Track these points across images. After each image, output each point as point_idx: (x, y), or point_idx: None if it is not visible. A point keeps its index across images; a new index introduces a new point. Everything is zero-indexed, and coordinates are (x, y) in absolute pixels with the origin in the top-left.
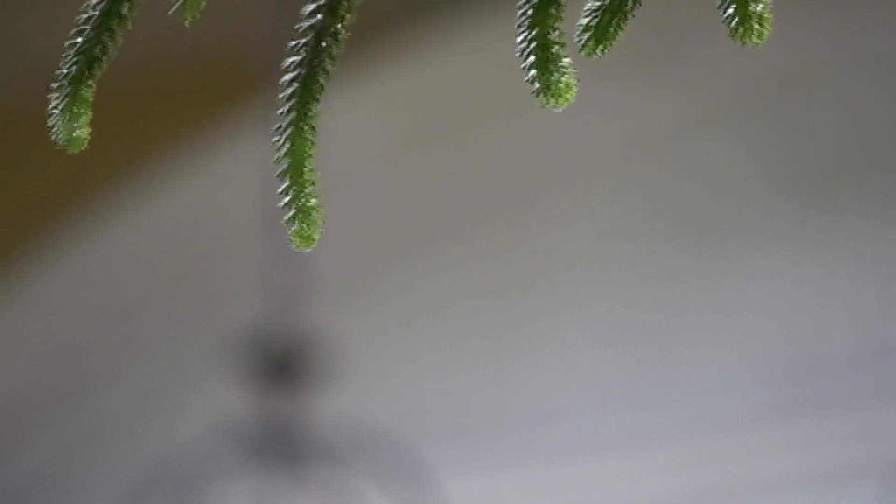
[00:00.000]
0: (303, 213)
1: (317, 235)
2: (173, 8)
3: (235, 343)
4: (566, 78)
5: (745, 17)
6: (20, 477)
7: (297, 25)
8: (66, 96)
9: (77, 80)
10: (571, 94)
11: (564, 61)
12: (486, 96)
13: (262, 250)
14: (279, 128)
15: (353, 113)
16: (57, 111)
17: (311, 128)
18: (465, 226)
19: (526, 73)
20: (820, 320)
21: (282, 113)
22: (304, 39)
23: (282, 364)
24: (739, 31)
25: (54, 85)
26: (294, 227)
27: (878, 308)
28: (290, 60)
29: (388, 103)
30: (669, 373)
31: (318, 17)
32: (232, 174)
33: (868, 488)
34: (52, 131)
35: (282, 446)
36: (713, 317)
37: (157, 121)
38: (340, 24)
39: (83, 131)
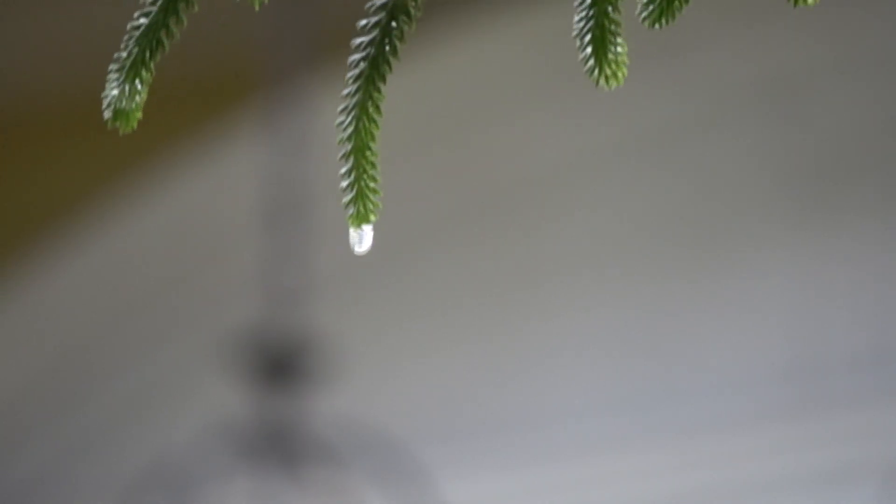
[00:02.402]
0: (363, 195)
1: (373, 217)
2: None
3: (234, 343)
4: (620, 58)
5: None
6: (20, 477)
7: (368, 4)
8: (125, 77)
9: (139, 63)
10: (622, 74)
11: (619, 40)
12: (486, 96)
13: (262, 250)
14: (345, 108)
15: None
16: (115, 91)
17: (377, 109)
18: (465, 226)
19: (581, 52)
20: (820, 320)
21: (349, 93)
22: (375, 18)
23: (280, 364)
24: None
25: (113, 66)
26: (353, 209)
27: (878, 308)
28: (359, 39)
29: (388, 103)
30: (669, 373)
31: None
32: (232, 174)
33: (868, 488)
34: (105, 109)
35: (280, 446)
36: (713, 317)
37: (157, 121)
38: (414, 3)
39: (137, 111)
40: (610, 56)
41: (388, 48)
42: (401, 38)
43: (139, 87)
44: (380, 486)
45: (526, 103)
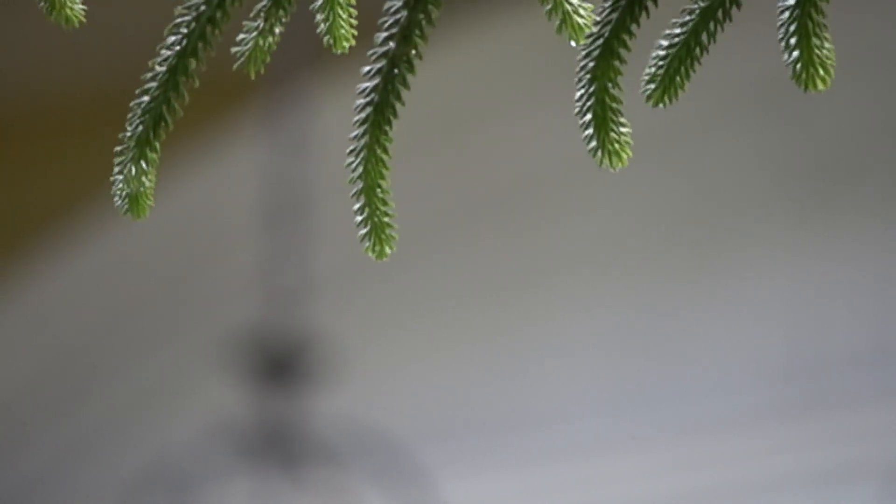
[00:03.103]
0: (376, 230)
1: (389, 251)
2: (238, 62)
3: (234, 343)
4: (623, 138)
5: (809, 61)
6: (20, 477)
7: (371, 52)
8: (130, 159)
9: (143, 142)
10: (626, 155)
11: (622, 120)
12: (487, 96)
13: (262, 250)
14: (353, 150)
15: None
16: (120, 175)
17: (385, 150)
18: (465, 226)
19: (583, 131)
20: (820, 320)
21: (356, 136)
22: (377, 66)
23: (280, 364)
24: (803, 76)
25: (118, 148)
26: (368, 244)
27: (878, 308)
28: (363, 85)
29: None
30: (669, 373)
31: (391, 45)
32: (232, 174)
33: (868, 488)
34: (114, 195)
35: (280, 446)
36: (713, 317)
37: None
38: (413, 52)
39: (147, 195)
40: (613, 135)
41: (391, 94)
42: (404, 84)
43: (145, 167)
44: (380, 486)
45: (526, 103)
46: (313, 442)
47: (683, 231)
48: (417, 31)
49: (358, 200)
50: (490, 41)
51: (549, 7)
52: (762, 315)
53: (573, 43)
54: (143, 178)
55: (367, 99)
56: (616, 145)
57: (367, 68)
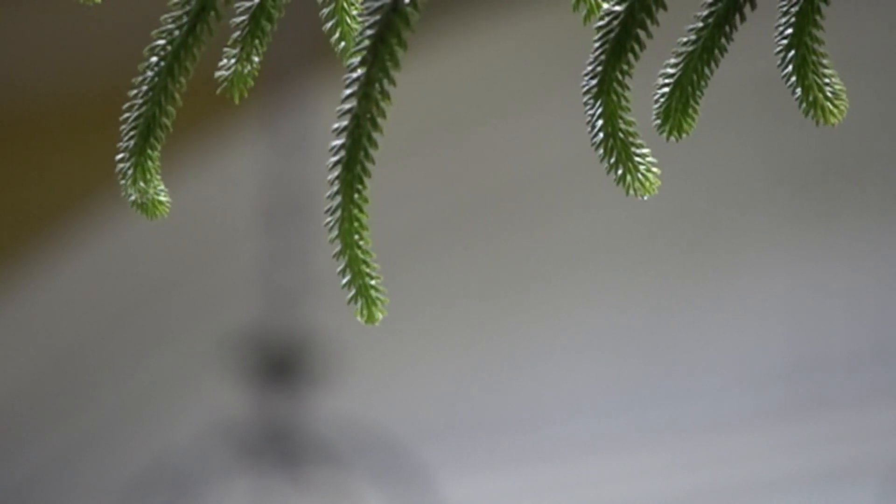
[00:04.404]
0: (361, 293)
1: (379, 315)
2: (220, 87)
3: (234, 343)
4: (648, 170)
5: (815, 102)
6: (20, 477)
7: (337, 109)
8: (129, 168)
9: (136, 153)
10: (653, 184)
11: (642, 150)
12: (486, 96)
13: (262, 250)
14: (329, 209)
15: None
16: (125, 183)
17: (361, 209)
18: (465, 226)
19: (602, 162)
20: (820, 320)
21: (330, 195)
22: (343, 124)
23: (280, 364)
24: (811, 114)
25: (118, 157)
26: (355, 307)
27: (878, 308)
28: (333, 143)
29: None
30: (669, 373)
31: (353, 103)
32: (232, 174)
33: (868, 488)
34: (128, 202)
35: (280, 446)
36: (713, 317)
37: None
38: (376, 109)
39: (161, 196)
40: (638, 163)
41: (360, 152)
42: (371, 142)
43: (145, 178)
44: (380, 486)
45: (526, 103)
46: (313, 442)
47: (683, 231)
48: (378, 88)
49: (340, 261)
50: (489, 42)
51: None
52: (762, 315)
53: (589, 20)
54: (143, 185)
55: (337, 157)
56: (640, 177)
57: (335, 125)
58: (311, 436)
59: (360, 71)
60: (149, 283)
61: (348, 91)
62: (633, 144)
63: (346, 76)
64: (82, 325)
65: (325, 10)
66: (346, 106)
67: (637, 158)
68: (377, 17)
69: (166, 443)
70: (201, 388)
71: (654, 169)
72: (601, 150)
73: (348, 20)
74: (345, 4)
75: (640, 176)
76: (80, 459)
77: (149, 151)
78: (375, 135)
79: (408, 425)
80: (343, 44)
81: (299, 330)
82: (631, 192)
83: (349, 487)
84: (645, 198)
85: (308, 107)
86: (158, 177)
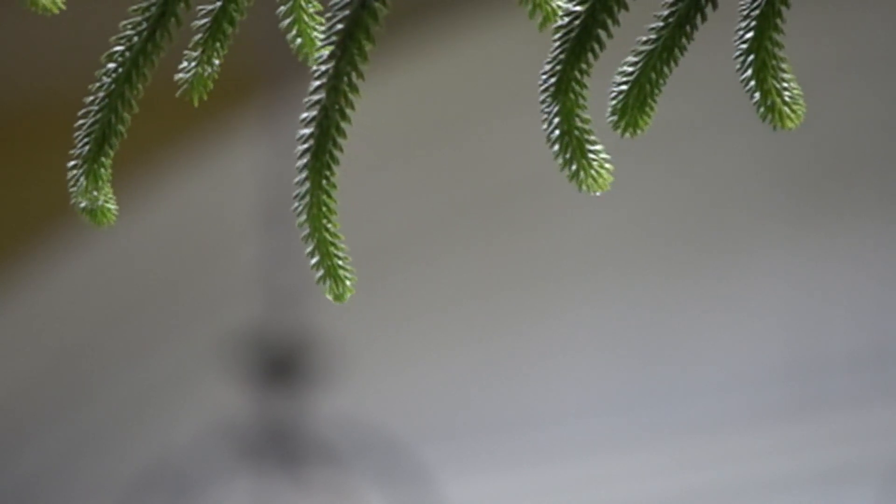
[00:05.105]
0: (330, 274)
1: (348, 293)
2: (180, 90)
3: (235, 343)
4: (601, 166)
5: (773, 107)
6: (20, 477)
7: (305, 100)
8: (81, 174)
9: (90, 160)
10: (605, 180)
11: (596, 147)
12: (486, 96)
13: (262, 250)
14: (297, 195)
15: (351, 114)
16: (75, 190)
17: (329, 195)
18: (465, 226)
19: (556, 159)
20: (820, 320)
21: (299, 181)
22: (311, 114)
23: (281, 364)
24: (769, 118)
25: (70, 164)
26: (324, 287)
27: (878, 308)
28: (301, 132)
29: (388, 104)
30: (669, 373)
31: (321, 95)
32: (232, 174)
33: (868, 488)
34: (77, 208)
35: (281, 446)
36: (713, 317)
37: (157, 121)
38: (344, 101)
39: (107, 207)
40: (592, 159)
41: (328, 141)
42: (339, 132)
43: (96, 186)
44: (381, 486)
45: (525, 103)
46: (314, 442)
47: (683, 231)
48: (346, 81)
49: (308, 243)
50: (487, 42)
51: None
52: (762, 315)
53: (543, 27)
54: (96, 193)
55: (306, 146)
56: (594, 172)
57: (303, 115)
58: (312, 436)
59: (329, 64)
60: (149, 283)
61: (317, 83)
62: (587, 142)
63: (314, 69)
64: (82, 325)
65: (282, 8)
66: (315, 97)
67: (591, 155)
68: (346, 12)
69: (167, 443)
70: (202, 388)
71: (607, 165)
72: (556, 147)
73: (306, 18)
74: (302, 2)
75: (593, 172)
76: (80, 459)
77: (102, 159)
78: (344, 125)
79: (408, 425)
80: (300, 40)
81: (299, 330)
82: (584, 188)
83: (349, 487)
84: (598, 193)
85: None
86: (109, 184)
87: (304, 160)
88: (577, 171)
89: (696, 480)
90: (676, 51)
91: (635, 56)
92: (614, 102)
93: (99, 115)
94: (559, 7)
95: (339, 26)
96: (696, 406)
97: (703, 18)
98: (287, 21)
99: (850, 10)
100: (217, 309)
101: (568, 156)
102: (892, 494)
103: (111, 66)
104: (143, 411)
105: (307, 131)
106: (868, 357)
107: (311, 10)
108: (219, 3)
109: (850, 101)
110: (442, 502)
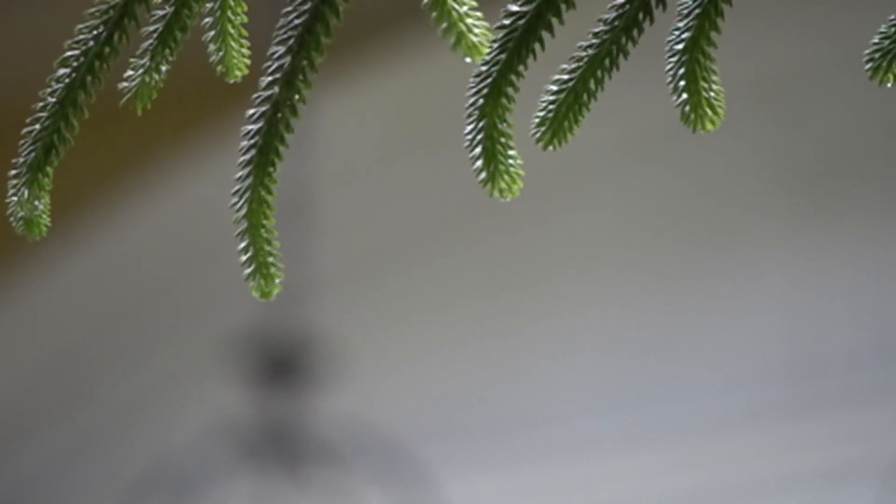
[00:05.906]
0: (260, 270)
1: (275, 291)
2: (125, 98)
3: (235, 343)
4: (513, 171)
5: (698, 103)
6: (20, 477)
7: (255, 96)
8: (23, 183)
9: (34, 168)
10: (517, 186)
11: (512, 153)
12: None
13: None
14: (237, 191)
15: (351, 114)
16: (14, 198)
17: (269, 191)
18: (465, 226)
19: (473, 163)
20: (819, 320)
21: (240, 177)
22: (260, 109)
23: (281, 364)
24: (692, 117)
25: (12, 172)
26: (253, 283)
27: (878, 308)
28: (247, 128)
29: (387, 104)
30: (669, 373)
31: (275, 89)
32: (232, 174)
33: (868, 488)
34: (11, 216)
35: (281, 446)
36: (713, 316)
37: (157, 121)
38: (297, 97)
39: (42, 217)
40: (501, 167)
41: (275, 138)
42: (287, 128)
43: (37, 195)
44: (381, 486)
45: (525, 103)
46: (315, 442)
47: (683, 231)
48: (301, 77)
49: (243, 240)
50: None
51: (444, 26)
52: (762, 315)
53: (468, 60)
54: (37, 203)
55: (252, 142)
56: (508, 179)
57: (251, 111)
58: (312, 436)
59: (286, 59)
60: (149, 284)
61: (269, 78)
62: (506, 147)
63: (267, 63)
64: (82, 325)
65: (211, 33)
66: (266, 93)
67: (510, 161)
68: (306, 6)
69: (167, 443)
70: (202, 388)
71: (520, 171)
72: (477, 149)
73: (232, 43)
74: (229, 24)
75: (507, 178)
76: (80, 459)
77: (47, 168)
78: (294, 121)
79: (408, 425)
80: (221, 67)
81: (299, 330)
82: (496, 193)
83: (350, 487)
84: (508, 199)
85: (308, 106)
86: (47, 193)
87: (249, 156)
88: (493, 176)
89: (696, 480)
90: (621, 56)
91: (574, 63)
92: (542, 112)
93: (48, 122)
94: (484, 39)
95: (298, 20)
96: (696, 406)
97: (651, 21)
98: (213, 46)
99: (850, 10)
100: (217, 309)
101: (484, 160)
102: (892, 494)
103: (64, 70)
104: (143, 411)
105: (254, 127)
106: (868, 357)
107: (238, 22)
108: (171, 9)
109: (849, 101)
110: (442, 502)
